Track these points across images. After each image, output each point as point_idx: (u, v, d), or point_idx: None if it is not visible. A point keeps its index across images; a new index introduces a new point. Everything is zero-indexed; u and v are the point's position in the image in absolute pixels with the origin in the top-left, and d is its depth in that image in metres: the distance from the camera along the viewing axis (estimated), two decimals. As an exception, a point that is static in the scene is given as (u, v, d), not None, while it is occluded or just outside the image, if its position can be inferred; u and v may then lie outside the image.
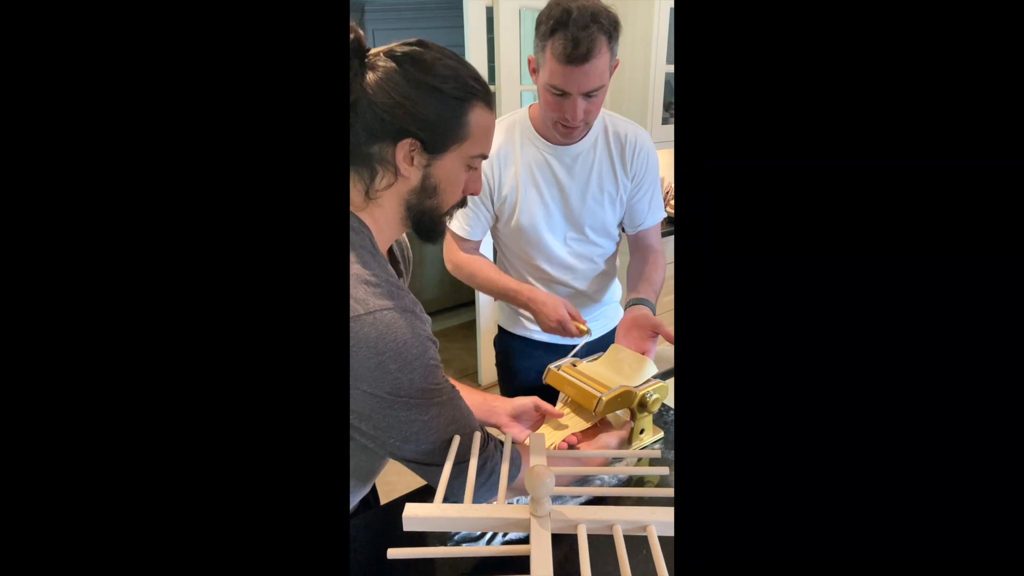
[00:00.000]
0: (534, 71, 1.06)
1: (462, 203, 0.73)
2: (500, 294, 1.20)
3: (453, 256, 1.25)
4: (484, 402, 0.99)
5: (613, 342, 1.10)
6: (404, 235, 0.84)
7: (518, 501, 0.83)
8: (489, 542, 0.78)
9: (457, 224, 1.22)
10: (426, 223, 0.71)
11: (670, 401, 1.11)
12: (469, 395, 1.00)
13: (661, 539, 0.52)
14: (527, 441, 0.96)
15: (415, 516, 0.55)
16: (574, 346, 1.31)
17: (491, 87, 0.70)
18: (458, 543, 0.78)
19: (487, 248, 1.31)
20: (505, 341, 1.37)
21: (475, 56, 2.22)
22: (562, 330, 1.14)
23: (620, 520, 0.54)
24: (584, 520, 0.54)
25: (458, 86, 0.65)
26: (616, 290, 1.39)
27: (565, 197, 1.18)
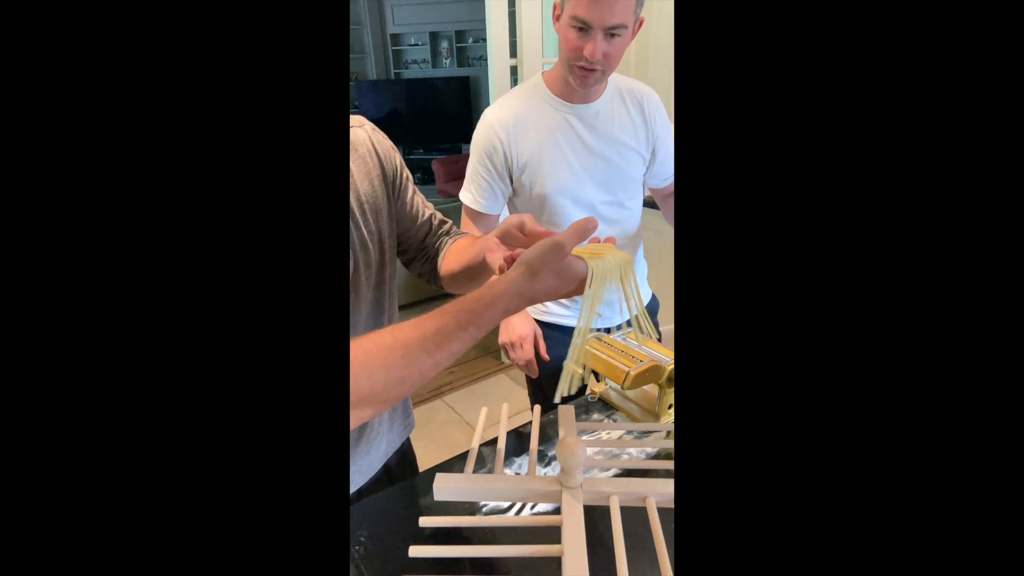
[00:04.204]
0: (557, 18, 1.04)
1: None
2: None
3: None
4: None
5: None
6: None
7: (547, 473, 0.82)
8: (518, 514, 0.78)
9: (470, 197, 1.17)
10: None
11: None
12: None
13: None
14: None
15: (446, 486, 0.55)
16: (606, 329, 1.30)
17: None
18: (487, 515, 0.78)
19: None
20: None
21: (497, 30, 2.18)
22: (526, 368, 1.17)
23: (654, 492, 0.54)
24: (617, 492, 0.54)
25: None
26: (643, 267, 1.36)
27: (593, 157, 1.14)
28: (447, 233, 0.85)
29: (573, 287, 0.57)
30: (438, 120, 5.74)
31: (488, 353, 2.83)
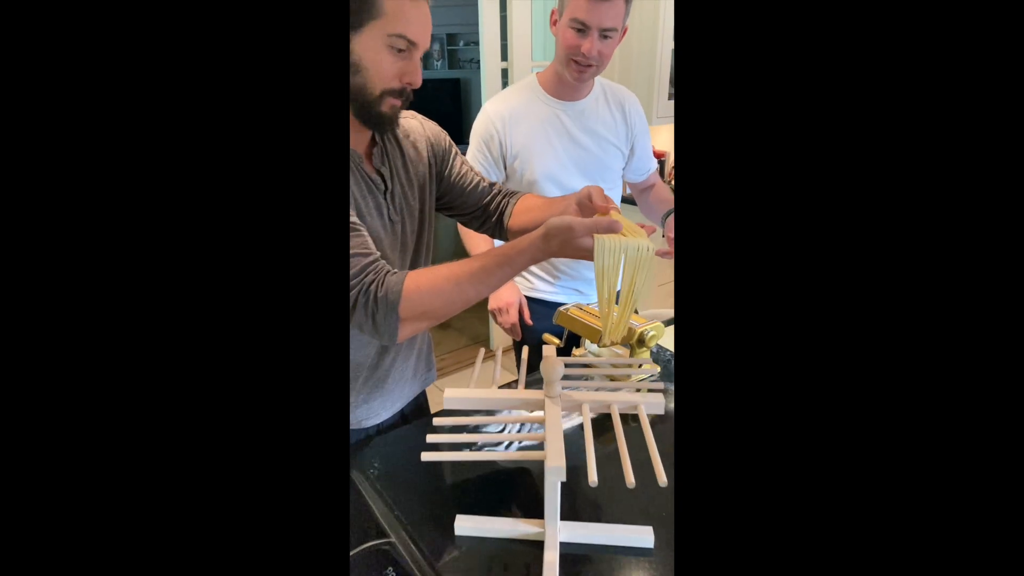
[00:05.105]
0: (554, 23, 1.22)
1: (400, 94, 0.74)
2: None
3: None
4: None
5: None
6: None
7: (535, 428, 0.97)
8: (507, 449, 0.92)
9: None
10: (360, 106, 0.73)
11: (667, 343, 1.25)
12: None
13: (648, 417, 0.67)
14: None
15: (453, 396, 0.69)
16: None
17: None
18: (480, 449, 0.92)
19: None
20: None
21: (489, 34, 2.32)
22: (511, 331, 1.31)
23: (617, 401, 0.69)
24: (587, 401, 0.69)
25: None
26: None
27: (578, 149, 1.32)
28: (501, 193, 0.99)
29: (582, 254, 0.68)
30: (429, 120, 5.83)
31: (477, 342, 2.97)
